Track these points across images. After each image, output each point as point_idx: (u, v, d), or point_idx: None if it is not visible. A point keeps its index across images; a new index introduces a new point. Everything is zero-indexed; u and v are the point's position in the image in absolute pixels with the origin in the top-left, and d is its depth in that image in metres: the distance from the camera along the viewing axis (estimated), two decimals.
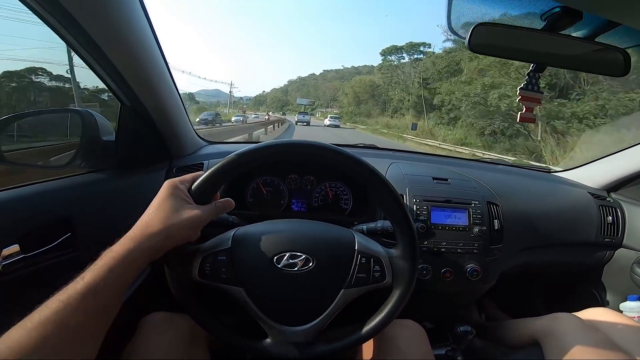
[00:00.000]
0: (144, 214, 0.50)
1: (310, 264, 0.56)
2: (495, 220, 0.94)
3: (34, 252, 0.72)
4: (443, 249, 0.89)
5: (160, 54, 0.81)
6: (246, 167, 0.57)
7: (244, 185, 1.03)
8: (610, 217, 1.13)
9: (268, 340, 0.57)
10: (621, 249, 1.14)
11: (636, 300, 1.06)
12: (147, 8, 0.68)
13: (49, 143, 0.90)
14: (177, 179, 0.54)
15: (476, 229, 0.90)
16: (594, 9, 0.50)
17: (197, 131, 1.18)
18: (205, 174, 0.55)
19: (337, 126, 32.41)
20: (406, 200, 0.92)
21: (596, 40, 0.57)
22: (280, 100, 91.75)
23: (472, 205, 0.93)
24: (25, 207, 0.72)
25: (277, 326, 0.56)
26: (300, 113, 37.33)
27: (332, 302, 0.56)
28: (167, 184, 0.52)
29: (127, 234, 0.48)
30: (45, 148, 0.90)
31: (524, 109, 0.73)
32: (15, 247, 0.69)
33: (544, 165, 1.44)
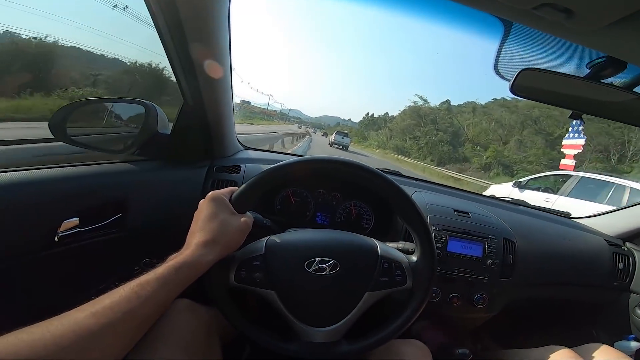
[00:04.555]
0: (200, 223, 0.55)
1: (338, 268, 0.60)
2: (510, 255, 0.98)
3: (90, 227, 0.76)
4: (455, 276, 0.94)
5: (229, 65, 0.89)
6: (282, 180, 0.64)
7: (274, 192, 1.08)
8: (622, 264, 1.18)
9: (295, 340, 0.60)
10: (627, 293, 1.20)
11: (633, 339, 1.11)
12: (231, 28, 0.78)
13: (114, 128, 0.96)
14: (219, 191, 0.60)
15: (489, 261, 0.95)
16: (639, 60, 0.57)
17: (237, 136, 1.24)
18: (244, 186, 0.61)
19: None
20: None
21: (635, 90, 0.63)
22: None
23: (489, 239, 0.97)
24: (86, 184, 0.78)
25: (304, 327, 0.60)
26: (338, 133, 29.02)
27: (357, 304, 0.61)
28: (213, 197, 0.57)
29: (193, 240, 0.53)
30: (109, 133, 0.96)
31: (565, 157, 0.78)
32: (75, 221, 0.74)
33: (565, 210, 1.49)
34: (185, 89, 0.86)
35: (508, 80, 0.72)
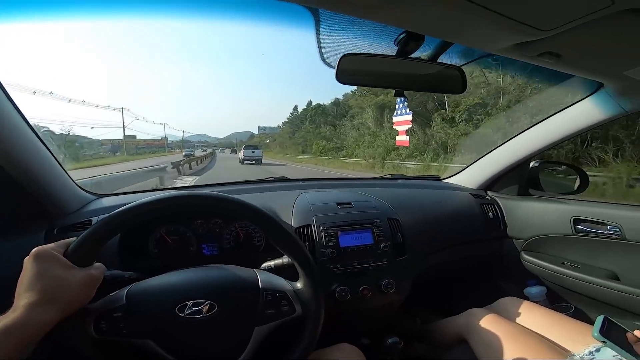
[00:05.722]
0: (26, 283, 0.48)
1: (216, 309, 0.56)
2: (398, 234, 1.01)
3: None
4: (356, 269, 0.93)
5: (14, 109, 0.71)
6: (121, 230, 0.58)
7: (145, 235, 0.93)
8: (491, 213, 1.27)
9: None
10: (508, 240, 1.29)
11: (535, 285, 1.18)
12: None
13: None
14: (47, 247, 0.53)
15: (382, 245, 0.96)
16: (430, 31, 0.60)
17: (82, 185, 1.04)
18: (80, 238, 0.54)
19: None
20: (314, 229, 0.94)
21: (438, 61, 0.68)
22: None
23: (375, 223, 0.99)
24: None
25: None
26: (247, 148, 25.14)
27: (249, 340, 0.58)
28: (38, 254, 0.51)
29: (20, 302, 0.47)
30: None
31: (399, 133, 0.82)
32: None
33: (435, 174, 1.60)
34: None
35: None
